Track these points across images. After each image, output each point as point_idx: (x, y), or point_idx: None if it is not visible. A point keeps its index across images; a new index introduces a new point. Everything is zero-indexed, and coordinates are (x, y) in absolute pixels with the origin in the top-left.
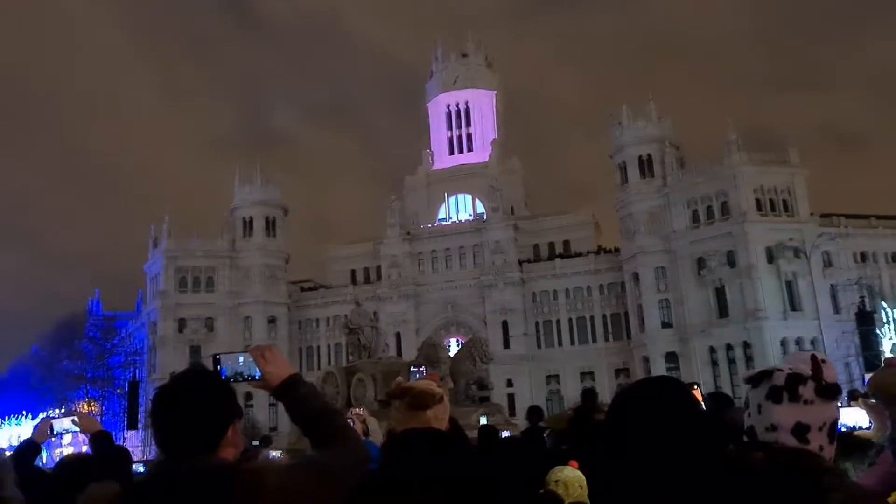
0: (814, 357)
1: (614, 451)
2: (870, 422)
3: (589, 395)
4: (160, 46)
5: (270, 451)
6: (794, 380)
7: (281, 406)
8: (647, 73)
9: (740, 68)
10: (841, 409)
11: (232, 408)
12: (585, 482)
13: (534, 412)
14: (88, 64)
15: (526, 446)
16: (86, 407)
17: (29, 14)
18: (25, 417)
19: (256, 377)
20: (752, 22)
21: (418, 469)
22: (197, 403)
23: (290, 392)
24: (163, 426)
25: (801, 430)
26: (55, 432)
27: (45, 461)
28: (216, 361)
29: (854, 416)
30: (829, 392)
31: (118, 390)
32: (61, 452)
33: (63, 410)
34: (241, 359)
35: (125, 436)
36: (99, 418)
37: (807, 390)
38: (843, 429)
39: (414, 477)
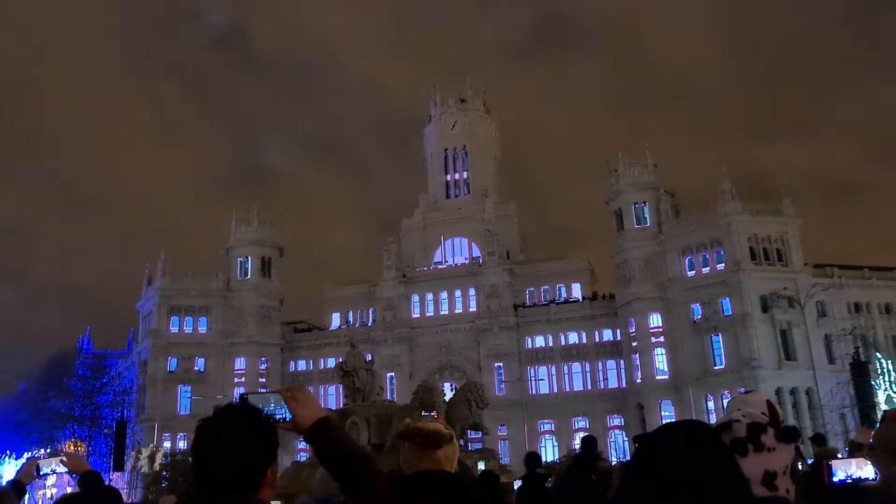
0: (769, 402)
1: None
2: (875, 473)
3: (589, 442)
4: (155, 83)
5: None
6: (756, 429)
7: None
8: (642, 118)
9: (734, 114)
10: (844, 461)
11: (275, 448)
12: None
13: (532, 459)
14: (82, 100)
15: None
16: (72, 447)
17: (22, 52)
18: (9, 457)
19: (287, 419)
20: (745, 69)
21: None
22: (243, 440)
23: (321, 435)
24: (206, 462)
25: (769, 479)
26: (41, 473)
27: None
28: (244, 401)
29: (859, 468)
30: (789, 435)
31: (105, 430)
32: (44, 494)
33: (49, 450)
34: (273, 400)
35: (111, 477)
36: (85, 458)
37: (768, 438)
38: (850, 481)
39: None
